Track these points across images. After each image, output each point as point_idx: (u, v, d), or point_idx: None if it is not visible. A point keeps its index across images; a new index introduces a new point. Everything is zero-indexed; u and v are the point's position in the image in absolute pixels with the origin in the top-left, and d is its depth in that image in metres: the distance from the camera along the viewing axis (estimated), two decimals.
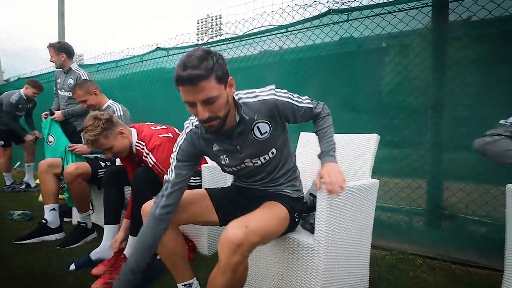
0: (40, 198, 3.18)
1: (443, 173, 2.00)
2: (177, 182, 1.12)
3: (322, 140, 1.22)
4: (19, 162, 5.00)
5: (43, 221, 2.13)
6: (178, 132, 1.81)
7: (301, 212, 1.28)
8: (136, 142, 1.66)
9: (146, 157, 1.60)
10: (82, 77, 2.73)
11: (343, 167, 1.61)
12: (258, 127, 1.11)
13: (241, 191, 1.33)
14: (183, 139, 1.15)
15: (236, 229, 0.95)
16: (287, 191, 1.27)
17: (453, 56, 1.94)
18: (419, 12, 1.97)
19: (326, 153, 1.17)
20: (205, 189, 1.30)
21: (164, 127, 1.78)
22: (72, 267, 1.72)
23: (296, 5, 2.40)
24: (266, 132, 1.12)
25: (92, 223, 2.23)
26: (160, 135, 1.65)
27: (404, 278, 1.66)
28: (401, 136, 2.10)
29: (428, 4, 1.95)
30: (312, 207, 1.43)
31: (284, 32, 2.51)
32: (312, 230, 1.20)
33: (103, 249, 1.80)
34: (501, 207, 1.80)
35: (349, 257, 1.28)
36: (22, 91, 3.54)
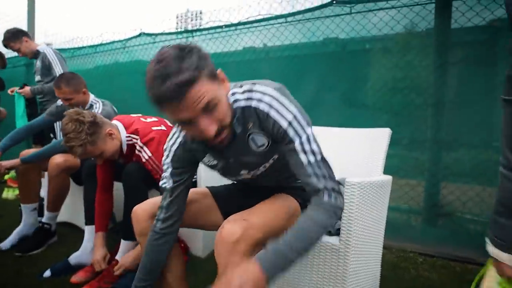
0: (6, 194, 2.86)
1: (441, 171, 2.01)
2: (176, 187, 0.93)
3: (292, 232, 0.75)
4: None
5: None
6: (171, 125, 1.63)
7: None
8: (127, 136, 1.47)
9: (140, 151, 1.42)
10: (48, 56, 2.45)
11: (354, 163, 1.55)
12: (253, 139, 0.85)
13: (247, 186, 1.19)
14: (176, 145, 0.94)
15: (233, 224, 0.79)
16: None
17: (456, 55, 1.95)
18: (423, 9, 1.96)
19: (274, 251, 0.72)
20: (206, 187, 1.15)
21: (155, 119, 1.60)
22: (47, 273, 1.50)
23: None
24: (264, 145, 0.86)
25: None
26: (153, 128, 1.49)
27: (408, 276, 1.64)
28: (401, 134, 2.08)
29: (432, 1, 1.94)
30: None
31: (283, 22, 2.41)
32: (333, 230, 1.10)
33: (84, 253, 1.59)
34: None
35: (368, 258, 1.21)
36: None
